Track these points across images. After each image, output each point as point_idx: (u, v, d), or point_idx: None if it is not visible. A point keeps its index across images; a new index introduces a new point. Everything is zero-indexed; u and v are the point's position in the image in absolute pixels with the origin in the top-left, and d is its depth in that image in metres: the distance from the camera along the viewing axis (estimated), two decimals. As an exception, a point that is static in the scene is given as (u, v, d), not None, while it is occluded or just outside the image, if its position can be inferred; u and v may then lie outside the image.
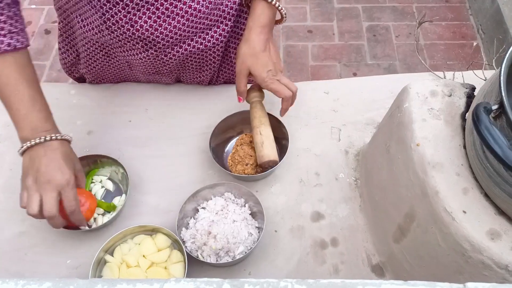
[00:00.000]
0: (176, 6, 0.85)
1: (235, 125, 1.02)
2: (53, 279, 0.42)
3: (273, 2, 0.86)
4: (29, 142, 0.77)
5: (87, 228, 0.87)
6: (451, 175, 0.66)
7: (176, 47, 0.93)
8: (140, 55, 0.93)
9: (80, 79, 1.16)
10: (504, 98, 0.55)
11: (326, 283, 0.42)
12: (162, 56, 0.94)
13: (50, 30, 2.52)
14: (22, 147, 0.78)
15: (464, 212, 0.63)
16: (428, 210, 0.67)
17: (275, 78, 0.88)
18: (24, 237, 0.90)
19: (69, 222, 0.81)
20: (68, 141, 0.82)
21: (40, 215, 0.76)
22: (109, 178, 0.97)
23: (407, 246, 0.76)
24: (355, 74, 2.29)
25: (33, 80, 0.80)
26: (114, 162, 0.94)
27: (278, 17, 0.93)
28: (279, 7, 0.88)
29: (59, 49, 1.08)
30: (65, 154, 0.79)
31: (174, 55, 0.94)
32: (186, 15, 0.86)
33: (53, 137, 0.78)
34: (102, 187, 0.96)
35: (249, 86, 1.01)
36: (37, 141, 0.77)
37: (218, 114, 1.00)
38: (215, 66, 1.05)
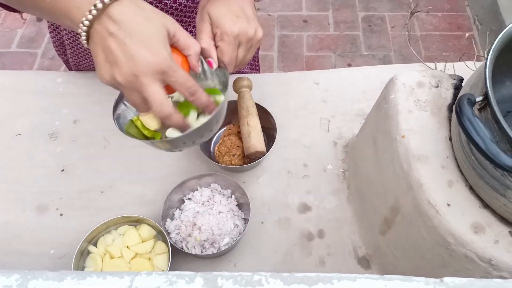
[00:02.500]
0: (160, 2, 0.82)
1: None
2: (22, 271, 0.41)
3: None
4: (83, 24, 0.52)
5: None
6: (436, 168, 0.65)
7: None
8: None
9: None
10: (488, 89, 0.54)
11: (300, 277, 0.41)
12: None
13: (42, 18, 2.49)
14: (81, 35, 0.54)
15: (448, 205, 0.62)
16: (412, 202, 0.66)
17: (235, 32, 0.62)
18: (7, 226, 0.89)
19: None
20: None
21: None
22: None
23: (393, 238, 0.75)
24: (349, 65, 2.28)
25: None
26: None
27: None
28: None
29: (50, 32, 1.06)
30: (141, 15, 0.53)
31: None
32: (171, 9, 0.84)
33: (107, 1, 0.51)
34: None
35: (236, 76, 1.00)
36: (91, 15, 0.52)
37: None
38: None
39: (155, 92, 0.53)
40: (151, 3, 0.81)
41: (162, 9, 0.83)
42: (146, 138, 0.66)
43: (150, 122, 0.64)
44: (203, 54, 0.63)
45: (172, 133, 0.64)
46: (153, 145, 0.64)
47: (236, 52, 0.64)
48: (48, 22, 1.04)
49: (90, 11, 0.52)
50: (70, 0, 0.52)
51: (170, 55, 0.54)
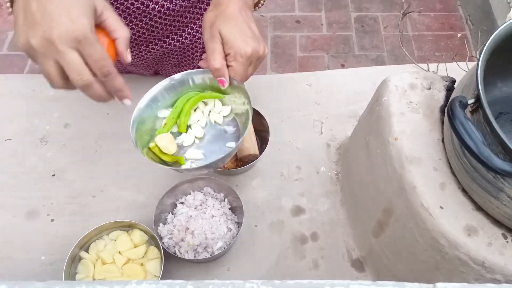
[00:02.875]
0: (148, 6, 0.81)
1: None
2: (8, 281, 0.40)
3: None
4: None
5: (201, 134, 0.63)
6: (429, 170, 0.65)
7: (151, 44, 0.90)
8: None
9: None
10: (481, 92, 0.53)
11: (292, 284, 0.41)
12: (137, 52, 0.92)
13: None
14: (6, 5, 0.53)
15: (441, 207, 0.62)
16: (405, 205, 0.65)
17: (248, 52, 0.62)
18: (-2, 233, 0.88)
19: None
20: None
21: (70, 86, 0.54)
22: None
23: (386, 241, 0.75)
24: (343, 65, 2.28)
25: None
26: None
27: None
28: None
29: None
30: None
31: (149, 51, 0.92)
32: (159, 14, 0.83)
33: None
34: (220, 112, 0.69)
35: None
36: None
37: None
38: (195, 62, 1.02)
39: (72, 59, 0.50)
40: (138, 8, 0.80)
41: (149, 13, 0.82)
42: (165, 163, 0.65)
43: (169, 146, 0.64)
44: (215, 73, 0.63)
45: (193, 155, 0.64)
46: (179, 171, 0.63)
47: (247, 71, 0.64)
48: None
49: None
50: None
51: (92, 28, 0.51)
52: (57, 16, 0.49)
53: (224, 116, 0.69)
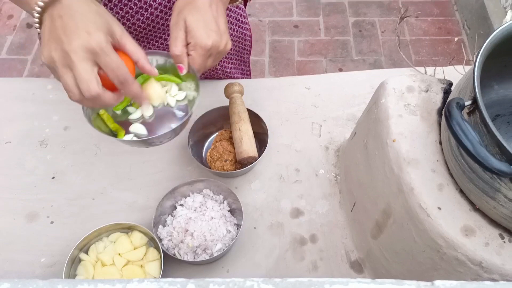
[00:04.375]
0: (145, 3, 0.83)
1: (215, 121, 1.00)
2: (12, 280, 0.41)
3: None
4: (37, 6, 0.57)
5: (150, 112, 0.66)
6: (427, 171, 0.65)
7: (152, 41, 0.91)
8: None
9: None
10: (477, 94, 0.54)
11: (293, 282, 0.41)
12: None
13: (32, 24, 2.47)
14: (35, 20, 0.59)
15: (439, 208, 0.62)
16: (403, 206, 0.66)
17: (208, 45, 0.65)
18: (-3, 235, 0.89)
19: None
20: None
21: (85, 98, 0.57)
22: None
23: (384, 242, 0.75)
24: (340, 70, 2.29)
25: None
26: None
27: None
28: None
29: None
30: (88, 9, 0.57)
31: (149, 48, 0.92)
32: (160, 6, 0.84)
33: None
34: (176, 95, 0.72)
35: (228, 82, 1.00)
36: (43, 2, 0.56)
37: (197, 110, 0.98)
38: None
39: (83, 69, 0.54)
40: (135, 4, 0.81)
41: (150, 6, 0.84)
42: (111, 132, 0.67)
43: (154, 94, 0.67)
44: (175, 59, 0.66)
45: (136, 129, 0.67)
46: (125, 143, 0.67)
47: (206, 62, 0.67)
48: None
49: None
50: None
51: (108, 40, 0.56)
52: (76, 30, 0.54)
53: (177, 100, 0.71)
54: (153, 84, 0.68)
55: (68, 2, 0.56)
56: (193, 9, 0.65)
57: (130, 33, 0.80)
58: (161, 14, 0.85)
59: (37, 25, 0.58)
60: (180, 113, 0.70)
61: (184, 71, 0.66)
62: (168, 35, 0.89)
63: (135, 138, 0.67)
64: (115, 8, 0.82)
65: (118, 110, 0.69)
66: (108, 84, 0.58)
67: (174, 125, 0.67)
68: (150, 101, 0.67)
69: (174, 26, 0.65)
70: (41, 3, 0.56)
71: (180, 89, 0.72)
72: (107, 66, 0.56)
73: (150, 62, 0.63)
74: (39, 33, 0.60)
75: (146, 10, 0.84)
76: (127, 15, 0.83)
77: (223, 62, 1.08)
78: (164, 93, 0.69)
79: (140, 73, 0.68)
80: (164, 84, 0.71)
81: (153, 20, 0.85)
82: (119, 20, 0.77)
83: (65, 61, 0.54)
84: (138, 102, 0.62)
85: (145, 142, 0.67)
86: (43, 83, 1.10)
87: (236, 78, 1.16)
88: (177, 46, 0.64)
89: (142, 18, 0.84)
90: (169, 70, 0.71)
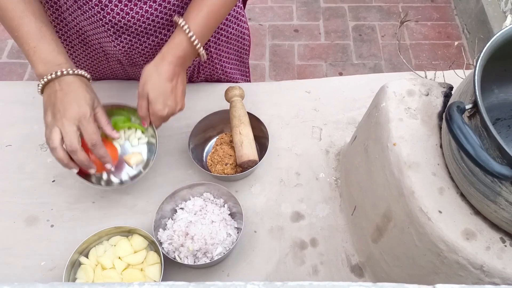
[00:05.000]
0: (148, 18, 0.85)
1: (216, 124, 1.00)
2: (12, 283, 0.41)
3: (193, 40, 0.80)
4: (43, 79, 0.76)
5: (111, 179, 0.86)
6: (427, 175, 0.65)
7: (151, 36, 0.91)
8: (113, 42, 0.91)
9: None
10: (478, 97, 0.54)
11: (294, 285, 0.41)
12: (137, 45, 0.92)
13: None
14: (39, 85, 0.77)
15: (440, 212, 0.62)
16: (404, 210, 0.66)
17: (164, 114, 0.82)
18: (-3, 238, 0.88)
19: (98, 165, 0.81)
20: (85, 78, 0.80)
21: (64, 152, 0.75)
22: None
23: (385, 246, 0.75)
24: (340, 74, 2.29)
25: (40, 13, 0.79)
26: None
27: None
28: (198, 47, 0.81)
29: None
30: (81, 88, 0.77)
31: (149, 44, 0.92)
32: (159, 0, 0.84)
33: (64, 72, 0.76)
34: (140, 138, 0.90)
35: (228, 85, 1.00)
36: (50, 77, 0.75)
37: (198, 113, 0.99)
38: (194, 62, 1.03)
39: (70, 131, 0.74)
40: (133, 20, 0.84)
41: (142, 16, 0.86)
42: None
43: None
44: (141, 117, 0.84)
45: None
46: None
47: (162, 122, 0.85)
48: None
49: (55, 73, 0.76)
50: (42, 58, 0.76)
51: (91, 113, 0.77)
52: (71, 103, 0.75)
53: (138, 139, 0.90)
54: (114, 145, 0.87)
55: (68, 79, 0.76)
56: (155, 84, 0.80)
57: (130, 27, 0.88)
58: (159, 9, 0.86)
59: (40, 89, 0.78)
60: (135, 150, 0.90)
61: (146, 125, 0.86)
62: (168, 30, 0.92)
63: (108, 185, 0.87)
64: (114, 0, 0.83)
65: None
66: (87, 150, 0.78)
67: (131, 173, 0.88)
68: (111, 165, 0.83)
69: (140, 97, 0.82)
70: (49, 77, 0.75)
71: (142, 133, 0.90)
72: (86, 131, 0.76)
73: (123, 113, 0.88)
74: (40, 92, 0.79)
75: (145, 3, 0.84)
76: (125, 8, 0.84)
77: (223, 62, 1.09)
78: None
79: (114, 123, 0.87)
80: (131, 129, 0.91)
81: (152, 14, 0.86)
82: (118, 14, 0.85)
83: (56, 123, 0.74)
84: (102, 162, 0.80)
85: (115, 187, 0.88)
86: (44, 87, 1.10)
87: (236, 79, 1.17)
88: (141, 111, 0.83)
89: (141, 11, 0.85)
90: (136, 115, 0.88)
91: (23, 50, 0.78)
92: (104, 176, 0.87)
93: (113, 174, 0.87)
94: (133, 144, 0.89)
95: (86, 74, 0.80)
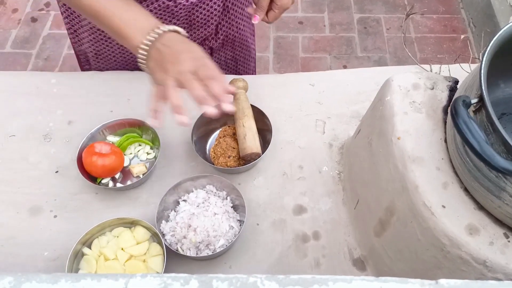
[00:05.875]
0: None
1: (219, 117, 1.00)
2: (15, 273, 0.41)
3: None
4: (145, 45, 0.71)
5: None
6: (431, 169, 0.65)
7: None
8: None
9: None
10: (484, 92, 0.54)
11: (296, 279, 0.41)
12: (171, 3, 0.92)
13: (36, 18, 2.47)
14: (140, 57, 0.73)
15: (444, 206, 0.62)
16: (407, 204, 0.66)
17: (289, 6, 0.88)
18: (1, 229, 0.89)
19: (104, 172, 0.90)
20: (182, 34, 0.75)
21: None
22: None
23: (388, 240, 0.75)
24: (345, 67, 2.28)
25: None
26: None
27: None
28: None
29: (64, 18, 1.05)
30: (184, 39, 0.74)
31: (180, 2, 0.92)
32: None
33: (165, 30, 0.72)
34: (148, 153, 0.98)
35: (232, 77, 1.00)
36: (151, 37, 0.71)
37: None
38: (214, 22, 1.03)
39: (188, 78, 0.69)
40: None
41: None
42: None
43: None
44: (257, 11, 0.88)
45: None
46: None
47: (280, 14, 0.90)
48: (61, 8, 1.03)
49: (150, 34, 0.71)
50: (132, 26, 0.73)
51: (203, 59, 0.72)
52: (180, 56, 0.70)
53: (147, 153, 0.97)
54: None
55: (169, 36, 0.72)
56: None
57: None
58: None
59: (143, 57, 0.73)
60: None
61: (257, 20, 0.89)
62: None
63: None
64: None
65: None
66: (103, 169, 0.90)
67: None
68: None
69: None
70: (151, 38, 0.71)
71: (151, 148, 0.98)
72: (205, 69, 0.70)
73: None
74: (141, 63, 0.74)
75: None
76: None
77: (238, 19, 1.10)
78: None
79: (125, 132, 0.97)
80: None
81: None
82: None
83: (174, 74, 0.69)
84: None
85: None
86: (47, 77, 1.10)
87: (247, 38, 1.17)
88: (264, 3, 0.86)
89: None
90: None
91: (113, 25, 0.74)
92: (110, 184, 0.93)
93: (119, 182, 0.94)
94: (141, 159, 0.97)
95: (181, 30, 0.75)
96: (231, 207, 0.88)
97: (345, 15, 2.50)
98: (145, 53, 0.72)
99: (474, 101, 0.55)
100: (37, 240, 0.87)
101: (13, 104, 1.06)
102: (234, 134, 0.96)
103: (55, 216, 0.90)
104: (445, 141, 0.68)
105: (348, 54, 2.34)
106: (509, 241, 0.59)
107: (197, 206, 0.87)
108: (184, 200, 0.88)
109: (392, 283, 0.40)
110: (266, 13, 0.88)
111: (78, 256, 0.81)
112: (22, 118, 1.03)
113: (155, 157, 0.97)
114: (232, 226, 0.85)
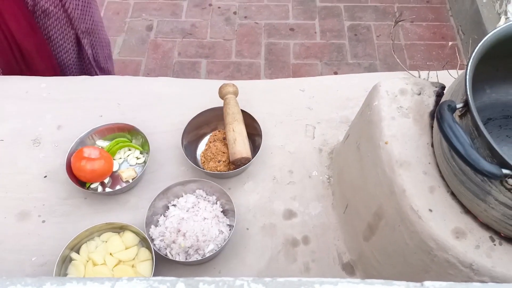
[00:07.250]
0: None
1: (210, 121, 1.00)
2: (0, 277, 0.41)
3: None
4: None
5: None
6: (418, 174, 0.66)
7: None
8: None
9: None
10: (469, 96, 0.54)
11: (282, 281, 0.41)
12: None
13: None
14: None
15: (430, 210, 0.63)
16: (395, 208, 0.66)
17: None
18: (-12, 234, 0.88)
19: (93, 177, 0.90)
20: None
21: None
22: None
23: (376, 244, 0.75)
24: (336, 73, 2.29)
25: None
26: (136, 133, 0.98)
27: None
28: None
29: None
30: None
31: None
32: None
33: None
34: (138, 158, 0.98)
35: (223, 82, 1.00)
36: None
37: (191, 110, 0.99)
38: None
39: None
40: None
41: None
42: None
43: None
44: None
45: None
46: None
47: None
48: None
49: None
50: None
51: None
52: None
53: (137, 158, 0.98)
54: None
55: None
56: None
57: None
58: None
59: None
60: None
61: None
62: None
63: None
64: None
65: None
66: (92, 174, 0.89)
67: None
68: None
69: None
70: None
71: (141, 153, 0.98)
72: None
73: None
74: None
75: None
76: None
77: None
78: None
79: (114, 137, 0.98)
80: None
81: None
82: None
83: None
84: None
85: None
86: (37, 82, 1.10)
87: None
88: None
89: None
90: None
91: None
92: (99, 189, 0.92)
93: (108, 187, 0.93)
94: (131, 164, 0.97)
95: None
96: (221, 211, 0.88)
97: (335, 22, 2.52)
98: None
99: (459, 105, 0.55)
100: (24, 245, 0.87)
101: (2, 108, 1.05)
102: (224, 139, 0.97)
103: (43, 221, 0.89)
104: (432, 145, 0.68)
105: (339, 60, 2.35)
106: (495, 245, 0.60)
107: (187, 210, 0.86)
108: (174, 205, 0.88)
109: (378, 285, 0.40)
110: None
111: (66, 261, 0.81)
112: (11, 122, 1.03)
113: (144, 162, 0.96)
114: (221, 230, 0.85)
